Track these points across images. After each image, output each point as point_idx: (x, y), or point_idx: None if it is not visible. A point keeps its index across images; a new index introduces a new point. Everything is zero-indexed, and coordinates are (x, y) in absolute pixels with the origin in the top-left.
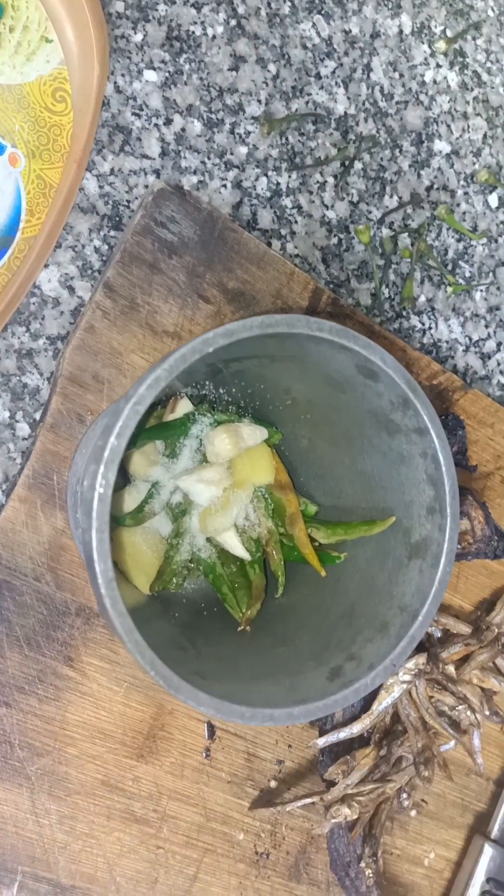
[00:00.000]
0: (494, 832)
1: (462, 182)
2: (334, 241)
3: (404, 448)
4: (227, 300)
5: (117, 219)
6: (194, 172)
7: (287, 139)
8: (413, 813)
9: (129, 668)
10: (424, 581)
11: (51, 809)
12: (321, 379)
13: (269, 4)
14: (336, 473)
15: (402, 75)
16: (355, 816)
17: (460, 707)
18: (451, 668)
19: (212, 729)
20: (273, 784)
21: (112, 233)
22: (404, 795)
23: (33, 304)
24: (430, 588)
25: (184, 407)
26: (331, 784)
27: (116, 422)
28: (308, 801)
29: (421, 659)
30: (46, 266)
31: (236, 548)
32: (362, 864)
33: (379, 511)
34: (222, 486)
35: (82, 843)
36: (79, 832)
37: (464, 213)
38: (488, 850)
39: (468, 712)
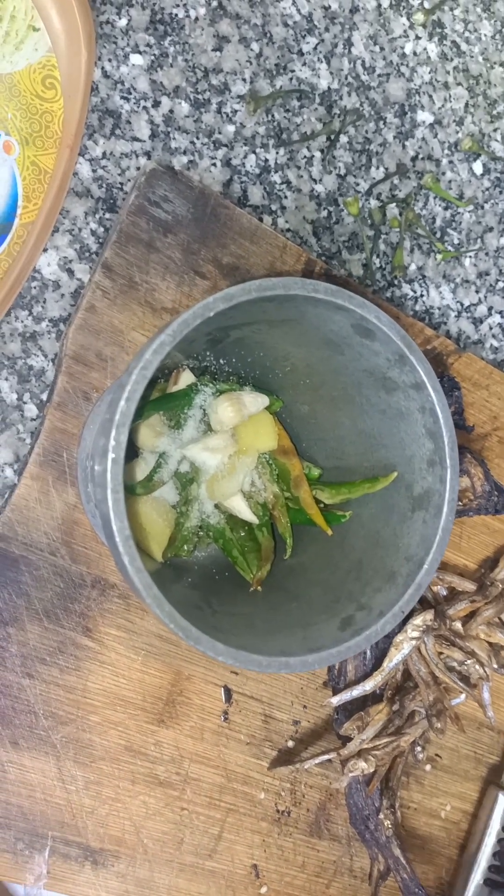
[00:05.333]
0: None
1: (446, 151)
2: (324, 213)
3: (402, 404)
4: (222, 275)
5: (111, 201)
6: (184, 153)
7: (273, 116)
8: (428, 767)
9: (146, 636)
10: (428, 531)
11: (77, 776)
12: (319, 341)
13: None
14: (337, 435)
15: (382, 48)
16: (372, 770)
17: (469, 661)
18: (458, 625)
19: (228, 693)
20: (290, 744)
21: (107, 215)
22: (418, 748)
23: (34, 287)
24: (434, 537)
25: (186, 378)
26: (346, 740)
27: (125, 386)
28: (325, 757)
29: (428, 615)
30: (45, 250)
31: (244, 512)
32: (381, 816)
33: (381, 468)
34: (227, 454)
35: (109, 808)
36: (105, 797)
37: (449, 181)
38: (502, 800)
39: (477, 666)
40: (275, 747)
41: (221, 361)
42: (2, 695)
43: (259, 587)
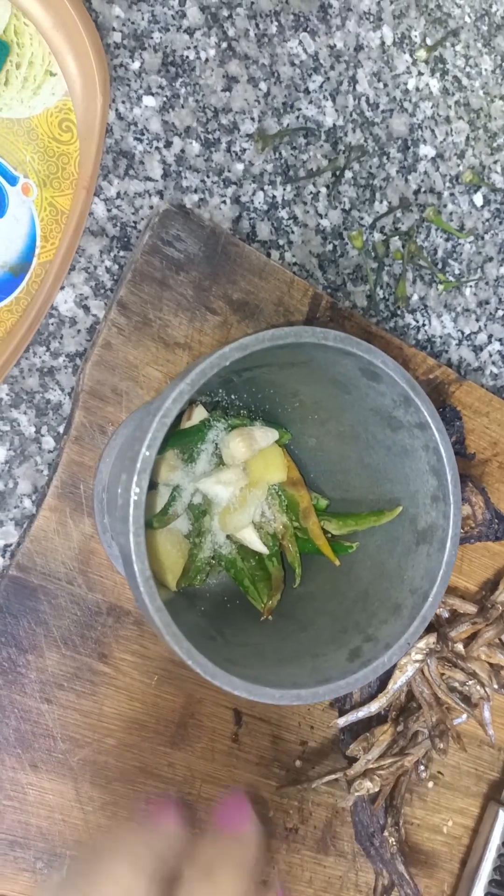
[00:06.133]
0: None
1: (448, 184)
2: (329, 247)
3: (407, 442)
4: (232, 310)
5: (126, 239)
6: (195, 191)
7: (280, 154)
8: (431, 784)
9: (159, 661)
10: (432, 564)
11: (94, 797)
12: (327, 382)
13: (257, 25)
14: (344, 468)
15: (386, 85)
16: (377, 789)
17: (470, 682)
18: (459, 646)
19: (238, 715)
20: (298, 764)
21: (122, 253)
22: (422, 767)
23: (52, 324)
24: (438, 570)
25: (199, 414)
26: (352, 760)
27: (146, 434)
28: (332, 777)
29: (431, 638)
30: (62, 288)
31: (255, 543)
32: (385, 834)
33: (386, 501)
34: (239, 487)
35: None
36: (120, 817)
37: (451, 213)
38: (503, 816)
39: (478, 687)
40: (283, 767)
41: (233, 397)
42: (22, 719)
43: (270, 616)
